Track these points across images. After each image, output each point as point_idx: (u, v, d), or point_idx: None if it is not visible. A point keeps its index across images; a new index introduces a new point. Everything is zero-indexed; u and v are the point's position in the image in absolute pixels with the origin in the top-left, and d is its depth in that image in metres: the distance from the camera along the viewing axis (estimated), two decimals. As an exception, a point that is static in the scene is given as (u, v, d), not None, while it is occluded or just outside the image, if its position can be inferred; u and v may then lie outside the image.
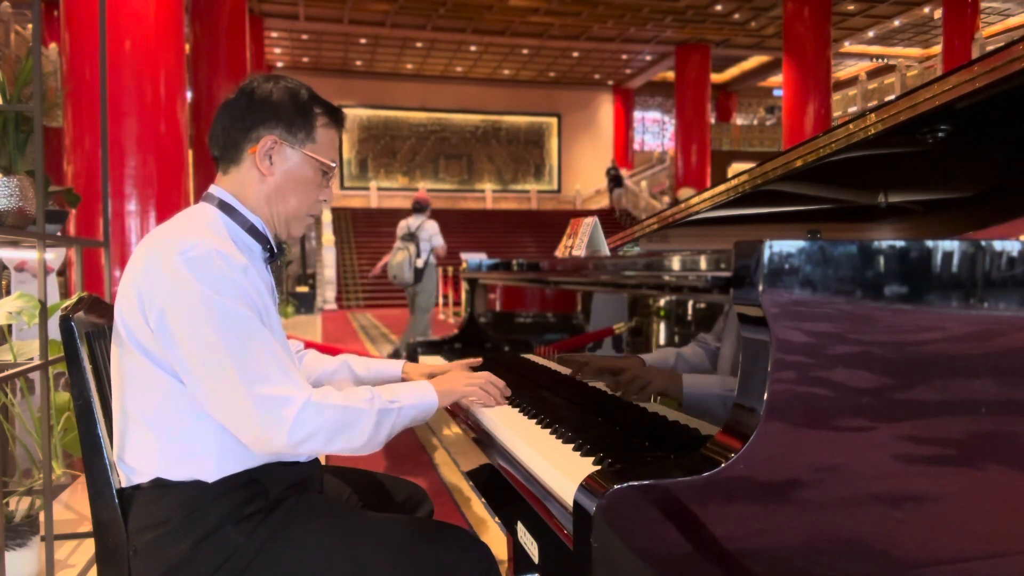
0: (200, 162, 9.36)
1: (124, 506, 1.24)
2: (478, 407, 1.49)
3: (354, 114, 22.82)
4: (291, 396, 1.14)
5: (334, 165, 1.35)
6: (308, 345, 1.67)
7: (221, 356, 1.12)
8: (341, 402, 1.18)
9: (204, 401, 1.16)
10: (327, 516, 1.25)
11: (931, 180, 1.82)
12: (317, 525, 1.22)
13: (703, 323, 1.23)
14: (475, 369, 1.60)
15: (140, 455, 1.22)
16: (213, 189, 1.32)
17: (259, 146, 1.28)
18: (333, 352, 1.74)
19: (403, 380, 1.59)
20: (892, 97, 1.37)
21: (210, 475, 1.20)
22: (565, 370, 1.65)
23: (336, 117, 1.36)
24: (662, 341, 1.33)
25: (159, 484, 1.21)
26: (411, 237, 6.92)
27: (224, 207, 1.30)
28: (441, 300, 13.53)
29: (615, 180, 21.66)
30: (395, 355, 7.27)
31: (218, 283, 1.14)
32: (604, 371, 1.48)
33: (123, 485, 1.25)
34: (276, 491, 1.24)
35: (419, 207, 7.07)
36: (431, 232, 6.94)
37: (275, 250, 1.34)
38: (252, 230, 1.30)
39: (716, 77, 22.48)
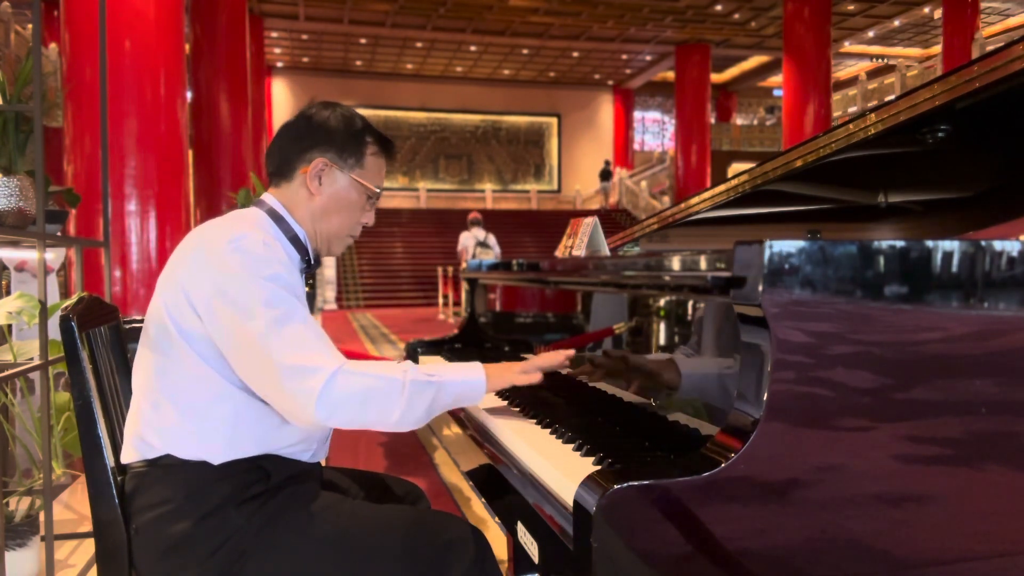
0: (200, 162, 9.36)
1: (128, 486, 1.26)
2: (477, 407, 1.49)
3: (354, 114, 22.77)
4: (320, 366, 1.16)
5: (379, 191, 1.43)
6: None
7: (262, 333, 1.17)
8: (373, 371, 1.20)
9: (246, 379, 1.21)
10: (324, 503, 1.28)
11: (931, 180, 1.82)
12: (314, 511, 1.26)
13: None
14: None
15: (158, 431, 1.25)
16: (265, 197, 1.40)
17: (311, 167, 1.36)
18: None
19: None
20: (892, 97, 1.37)
21: (217, 458, 1.23)
22: (564, 370, 1.65)
23: (386, 147, 1.46)
24: (662, 341, 1.33)
25: (167, 462, 1.24)
26: (484, 244, 9.76)
27: (273, 215, 1.36)
28: (441, 300, 13.54)
29: (603, 175, 22.88)
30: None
31: (261, 268, 1.21)
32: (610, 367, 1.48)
33: (133, 460, 1.28)
34: (278, 478, 1.28)
35: (479, 221, 10.11)
36: (494, 241, 10.00)
37: (312, 262, 1.40)
38: (295, 240, 1.37)
39: (716, 77, 22.47)
